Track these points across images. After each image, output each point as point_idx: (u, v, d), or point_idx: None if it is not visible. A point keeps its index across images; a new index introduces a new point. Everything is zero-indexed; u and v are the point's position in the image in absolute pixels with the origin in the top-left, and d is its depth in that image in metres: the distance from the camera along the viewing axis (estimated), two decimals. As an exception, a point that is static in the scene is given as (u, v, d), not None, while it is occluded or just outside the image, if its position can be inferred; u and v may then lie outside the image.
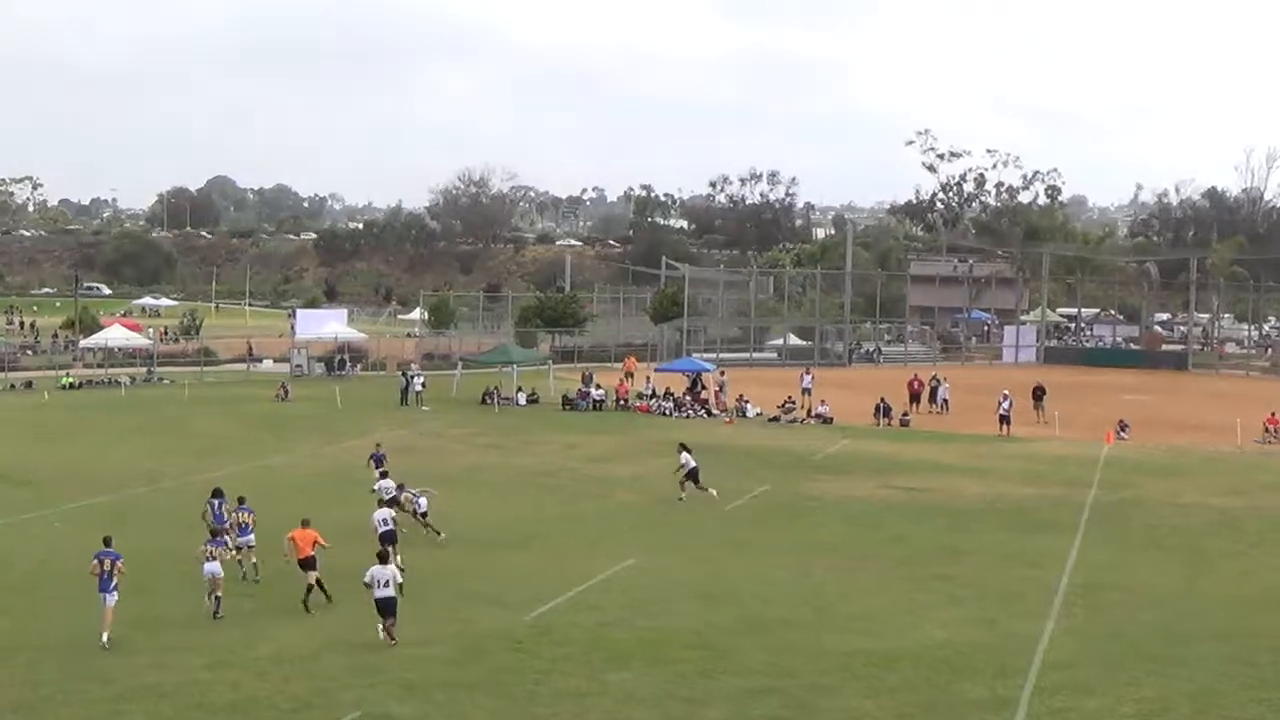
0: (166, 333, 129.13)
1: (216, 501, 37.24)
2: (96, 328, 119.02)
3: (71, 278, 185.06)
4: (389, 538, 34.87)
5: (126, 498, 44.20)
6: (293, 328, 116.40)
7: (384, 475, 42.47)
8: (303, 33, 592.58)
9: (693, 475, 47.91)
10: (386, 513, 36.70)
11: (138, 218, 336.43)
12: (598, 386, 79.27)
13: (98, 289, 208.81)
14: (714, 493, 47.57)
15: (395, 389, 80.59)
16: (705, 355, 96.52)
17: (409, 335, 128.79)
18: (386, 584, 28.69)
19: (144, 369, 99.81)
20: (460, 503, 46.48)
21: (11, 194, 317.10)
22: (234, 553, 33.79)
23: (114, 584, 29.01)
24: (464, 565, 36.43)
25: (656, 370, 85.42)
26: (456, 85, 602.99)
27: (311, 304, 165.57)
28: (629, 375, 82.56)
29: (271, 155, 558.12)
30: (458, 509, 45.20)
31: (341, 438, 62.61)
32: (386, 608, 28.54)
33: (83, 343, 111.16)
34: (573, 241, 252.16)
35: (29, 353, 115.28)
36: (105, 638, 28.35)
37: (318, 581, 32.08)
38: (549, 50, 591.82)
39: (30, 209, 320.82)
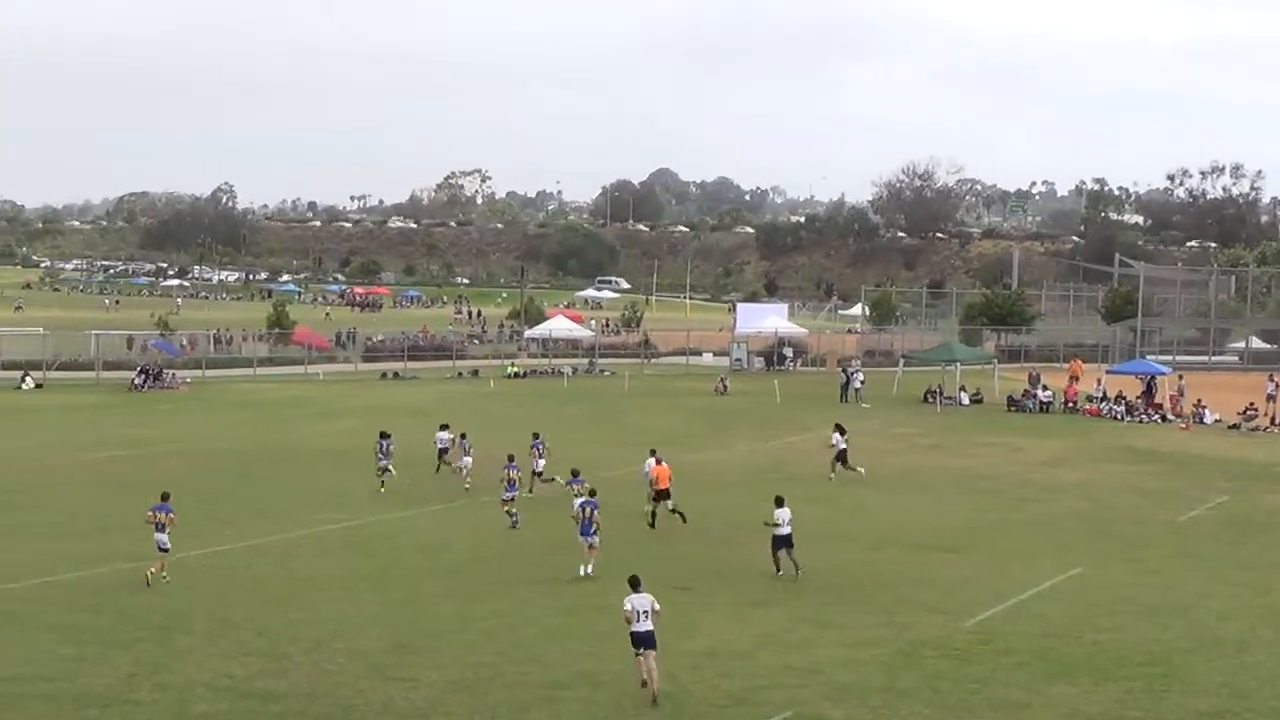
0: (608, 325, 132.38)
1: (385, 442, 47.63)
2: (541, 319, 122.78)
3: (518, 269, 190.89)
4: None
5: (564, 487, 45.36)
6: (734, 321, 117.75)
7: (444, 428, 51.71)
8: (747, 25, 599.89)
9: (841, 456, 50.40)
10: (652, 462, 42.72)
11: (581, 210, 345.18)
12: (1045, 388, 77.84)
13: (616, 282, 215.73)
14: (861, 471, 50.22)
15: (835, 385, 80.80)
16: (1160, 358, 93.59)
17: (850, 331, 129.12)
18: (787, 523, 34.27)
19: (585, 360, 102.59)
20: (898, 504, 46.39)
21: (461, 187, 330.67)
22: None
23: (594, 529, 34.54)
24: (901, 568, 36.22)
25: (1108, 372, 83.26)
26: (903, 76, 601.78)
27: (752, 298, 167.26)
28: (1074, 379, 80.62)
29: (714, 148, 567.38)
30: (895, 510, 45.13)
31: (779, 433, 63.07)
32: (785, 542, 34.32)
33: (527, 333, 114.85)
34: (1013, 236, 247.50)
35: (476, 342, 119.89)
36: (585, 570, 34.22)
37: (672, 509, 40.83)
38: (999, 40, 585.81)
39: (479, 201, 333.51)
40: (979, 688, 25.38)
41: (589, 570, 34.02)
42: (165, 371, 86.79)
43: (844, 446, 51.01)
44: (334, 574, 34.80)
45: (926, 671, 26.33)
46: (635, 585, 25.42)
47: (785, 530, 34.37)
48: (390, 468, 47.75)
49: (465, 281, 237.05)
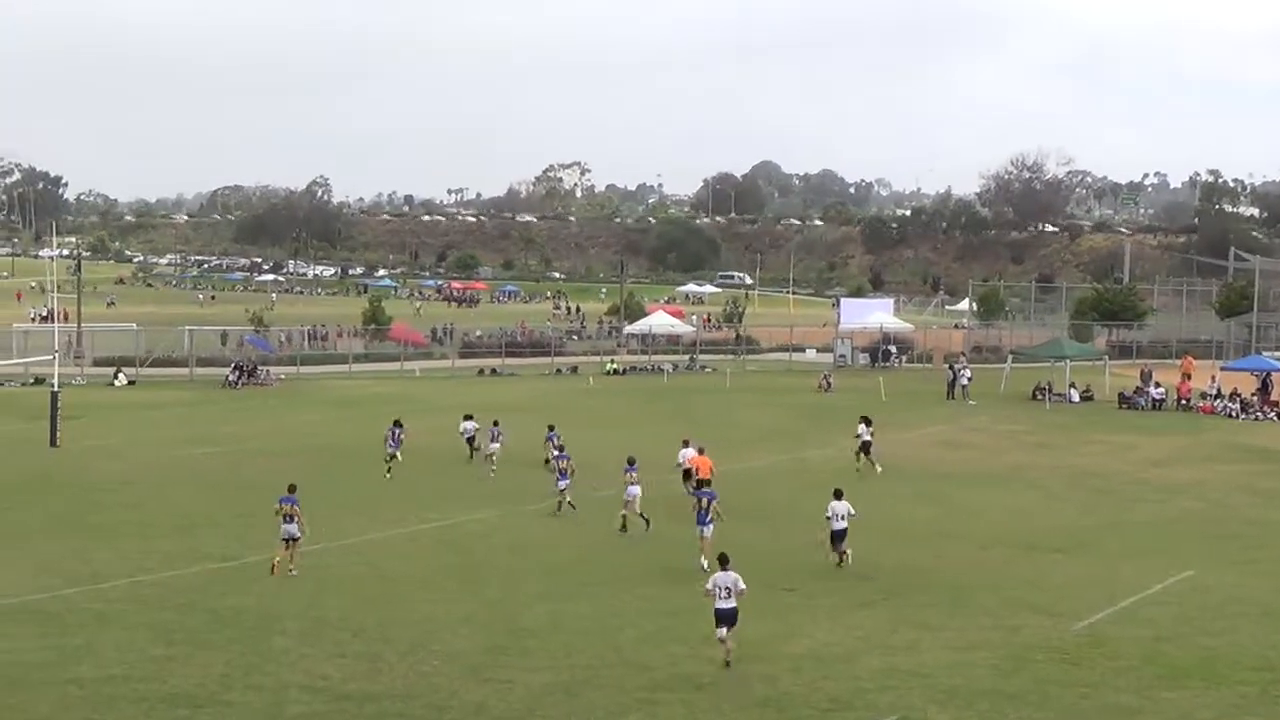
0: (709, 320, 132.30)
1: (396, 430, 51.20)
2: (641, 314, 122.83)
3: (617, 264, 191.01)
4: (687, 474, 43.79)
5: (663, 487, 45.30)
6: (838, 317, 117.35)
7: (468, 418, 54.67)
8: (854, 15, 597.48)
9: (864, 448, 51.17)
10: (690, 452, 44.57)
11: (683, 204, 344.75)
12: (1157, 385, 77.07)
13: (740, 278, 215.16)
14: (878, 469, 50.72)
15: (941, 382, 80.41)
16: (1277, 354, 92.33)
17: (956, 326, 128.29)
18: (842, 517, 35.17)
19: (686, 356, 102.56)
20: (1006, 503, 46.11)
21: (560, 179, 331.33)
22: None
23: (709, 518, 35.15)
24: (1009, 569, 36.02)
25: (1222, 369, 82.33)
26: (1011, 66, 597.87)
27: (856, 292, 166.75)
28: (1186, 376, 79.59)
29: (818, 140, 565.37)
30: (1003, 510, 44.85)
31: (884, 431, 62.57)
32: (841, 537, 35.23)
33: (627, 329, 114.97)
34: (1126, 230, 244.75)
35: (575, 338, 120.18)
36: (704, 564, 33.98)
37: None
38: (1111, 28, 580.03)
39: (578, 194, 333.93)
40: (1089, 692, 25.13)
41: (705, 565, 33.88)
42: (260, 368, 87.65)
43: (868, 439, 51.72)
44: (428, 573, 35.00)
45: (1035, 675, 26.10)
46: (724, 563, 27.13)
47: (840, 525, 35.28)
48: (398, 455, 50.76)
49: (560, 276, 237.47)
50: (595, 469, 46.18)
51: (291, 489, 35.09)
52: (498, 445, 51.55)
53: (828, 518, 35.46)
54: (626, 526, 40.05)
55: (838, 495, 35.73)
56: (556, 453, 44.52)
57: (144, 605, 31.21)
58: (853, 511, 35.42)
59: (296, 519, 34.18)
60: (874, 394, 78.04)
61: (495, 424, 52.51)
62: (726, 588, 26.23)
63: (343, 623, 29.58)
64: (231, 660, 26.48)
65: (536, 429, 52.77)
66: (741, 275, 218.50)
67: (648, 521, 39.93)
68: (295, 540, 34.21)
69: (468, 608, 31.19)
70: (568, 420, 62.67)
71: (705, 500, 35.71)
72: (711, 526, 35.02)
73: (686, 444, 45.89)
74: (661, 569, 35.11)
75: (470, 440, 53.77)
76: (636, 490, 40.28)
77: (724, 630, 26.12)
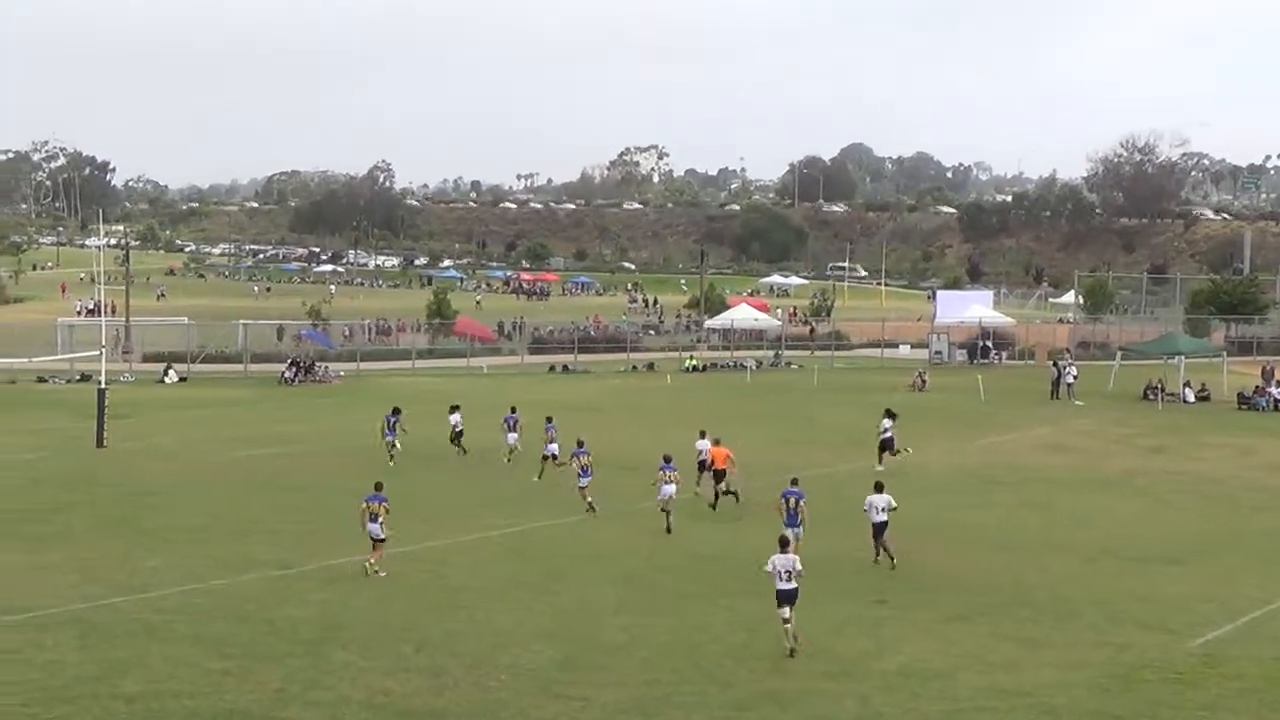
0: (796, 314, 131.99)
1: (393, 419, 53.49)
2: (722, 307, 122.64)
3: (697, 253, 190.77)
4: (702, 465, 46.21)
5: (747, 490, 45.28)
6: (933, 310, 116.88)
7: (454, 409, 56.29)
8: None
9: (886, 444, 52.60)
10: (705, 444, 46.28)
11: (766, 189, 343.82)
12: (1279, 384, 76.38)
13: (853, 269, 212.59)
14: (879, 466, 50.69)
15: (1045, 380, 79.99)
16: None
17: (1061, 320, 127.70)
18: (881, 510, 36.57)
19: (770, 352, 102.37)
20: (1116, 511, 45.82)
21: (637, 164, 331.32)
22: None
23: (799, 520, 36.11)
24: (1118, 582, 35.72)
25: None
26: (1120, 43, 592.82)
27: (953, 284, 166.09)
28: (1304, 375, 78.94)
29: (912, 121, 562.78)
30: (1113, 518, 44.55)
31: (983, 433, 62.47)
32: (879, 530, 36.52)
33: (707, 323, 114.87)
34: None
35: (652, 333, 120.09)
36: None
37: (726, 489, 44.51)
38: (1226, 3, 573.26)
39: (655, 179, 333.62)
40: (1204, 715, 24.88)
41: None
42: (318, 364, 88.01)
43: (890, 436, 52.62)
44: (496, 583, 34.98)
45: (1145, 697, 25.87)
46: (783, 546, 29.27)
47: (880, 518, 36.60)
48: (397, 444, 53.29)
49: (631, 267, 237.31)
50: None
51: (379, 487, 35.88)
52: (515, 436, 53.21)
53: (865, 510, 36.79)
54: (670, 528, 40.76)
55: (878, 488, 37.14)
56: (575, 448, 44.91)
57: (196, 616, 31.28)
58: (893, 505, 36.70)
59: (380, 519, 34.76)
60: (972, 393, 77.75)
61: (512, 410, 54.32)
62: (786, 570, 28.26)
63: (406, 635, 29.63)
64: (288, 674, 26.55)
65: (611, 430, 52.82)
66: (854, 267, 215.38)
67: (669, 525, 40.90)
68: (380, 541, 34.78)
69: (539, 619, 31.19)
70: (644, 420, 62.81)
71: (794, 500, 36.58)
72: (801, 529, 35.45)
73: (703, 435, 47.26)
74: (742, 577, 34.87)
75: (458, 434, 55.24)
76: (671, 490, 41.39)
77: (786, 610, 28.04)
